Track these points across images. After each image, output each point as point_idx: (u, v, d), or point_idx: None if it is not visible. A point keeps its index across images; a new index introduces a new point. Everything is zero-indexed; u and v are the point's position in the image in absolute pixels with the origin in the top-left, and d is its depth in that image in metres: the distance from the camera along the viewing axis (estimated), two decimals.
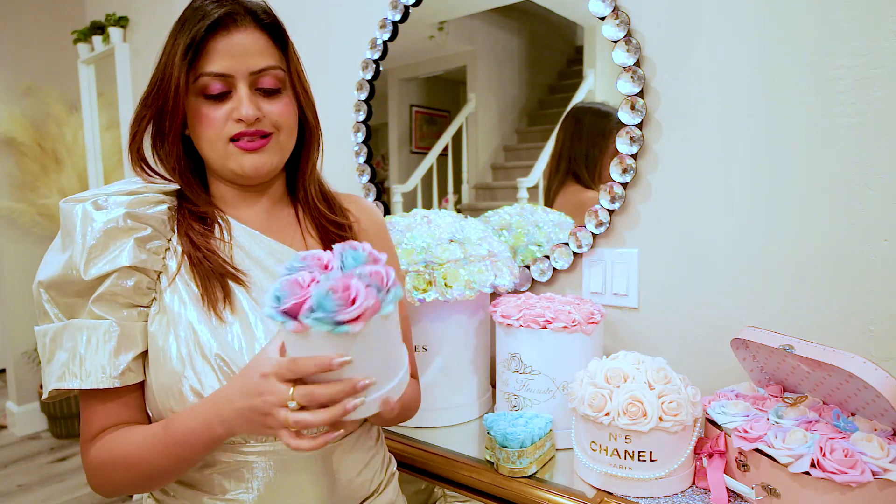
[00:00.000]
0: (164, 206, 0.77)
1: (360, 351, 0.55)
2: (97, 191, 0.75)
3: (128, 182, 0.78)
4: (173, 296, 0.73)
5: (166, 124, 0.75)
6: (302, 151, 0.85)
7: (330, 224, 0.86)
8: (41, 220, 2.97)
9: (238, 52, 0.73)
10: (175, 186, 0.80)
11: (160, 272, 0.74)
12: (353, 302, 0.52)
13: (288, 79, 0.79)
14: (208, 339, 0.71)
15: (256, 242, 0.80)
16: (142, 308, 0.73)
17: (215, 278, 0.74)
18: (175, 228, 0.77)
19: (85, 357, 0.68)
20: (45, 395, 0.70)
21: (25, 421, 3.06)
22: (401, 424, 1.11)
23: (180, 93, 0.72)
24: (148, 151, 0.79)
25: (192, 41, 0.72)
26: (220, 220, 0.79)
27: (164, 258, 0.75)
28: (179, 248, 0.75)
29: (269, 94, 0.77)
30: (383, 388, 0.57)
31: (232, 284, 0.75)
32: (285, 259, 0.78)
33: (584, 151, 1.25)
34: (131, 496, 0.81)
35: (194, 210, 0.78)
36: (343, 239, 0.84)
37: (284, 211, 0.86)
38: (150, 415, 0.74)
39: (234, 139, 0.75)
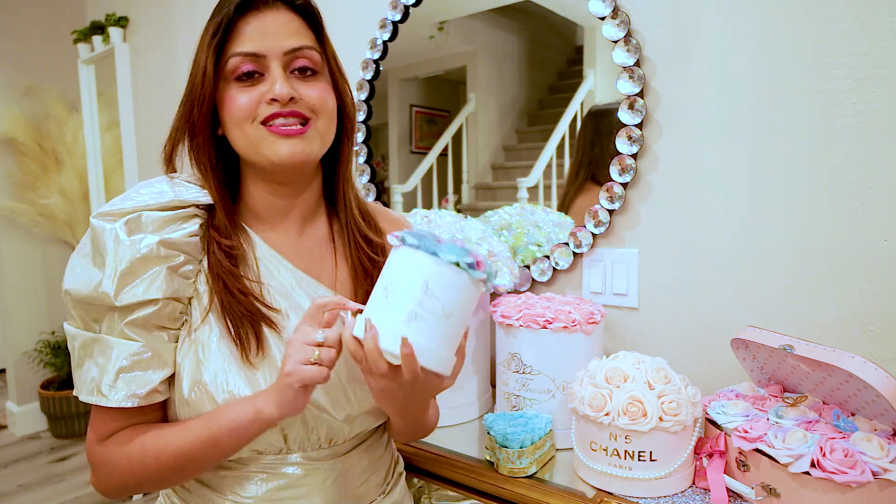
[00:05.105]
0: (196, 225, 0.72)
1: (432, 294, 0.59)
2: (126, 202, 0.70)
3: (158, 188, 0.72)
4: (205, 327, 0.71)
5: (195, 114, 0.70)
6: (340, 147, 0.78)
7: (364, 241, 0.80)
8: (41, 220, 2.97)
9: (270, 31, 0.69)
10: (207, 200, 0.74)
11: (191, 297, 0.72)
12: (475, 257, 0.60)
13: (324, 62, 0.74)
14: (237, 384, 0.69)
15: (284, 271, 0.76)
16: (172, 331, 0.71)
17: (248, 325, 0.70)
18: (206, 248, 0.73)
19: (114, 376, 0.67)
20: (76, 394, 0.70)
21: (25, 421, 3.06)
22: None
23: (207, 76, 0.68)
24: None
25: (220, 22, 0.68)
26: (246, 247, 0.75)
27: (194, 281, 0.72)
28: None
29: (305, 76, 0.71)
30: (431, 348, 0.59)
31: (265, 329, 0.72)
32: (313, 291, 0.76)
33: (603, 152, 1.23)
34: (131, 497, 0.81)
35: (221, 243, 0.73)
36: (374, 264, 0.80)
37: (317, 223, 0.81)
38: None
39: (266, 122, 0.69)
